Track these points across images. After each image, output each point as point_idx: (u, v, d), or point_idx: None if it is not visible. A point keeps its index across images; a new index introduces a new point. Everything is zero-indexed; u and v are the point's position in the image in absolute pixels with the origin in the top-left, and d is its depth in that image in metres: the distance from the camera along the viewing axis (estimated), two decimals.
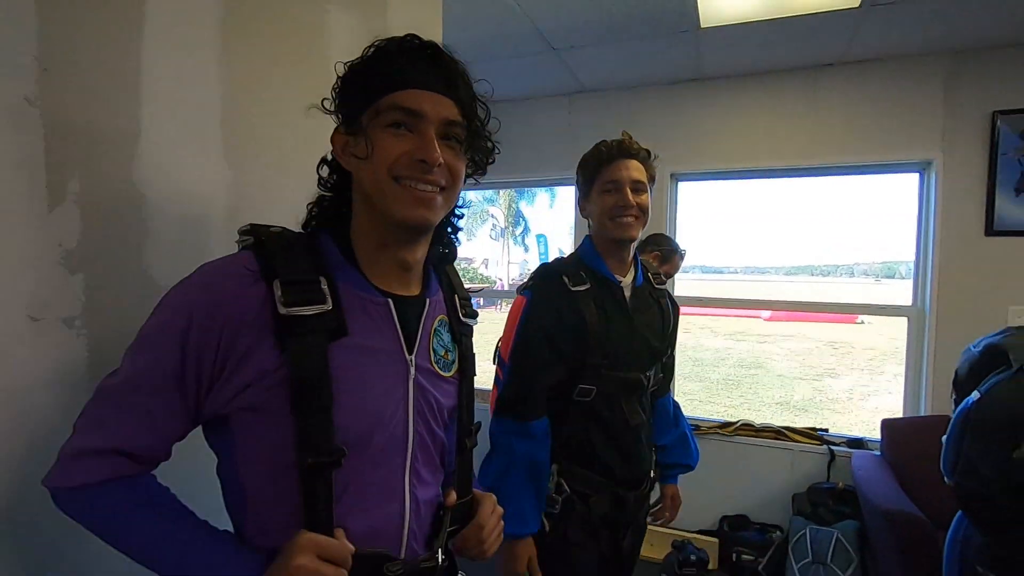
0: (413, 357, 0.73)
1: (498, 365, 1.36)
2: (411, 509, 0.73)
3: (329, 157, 0.77)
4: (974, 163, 2.54)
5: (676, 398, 1.68)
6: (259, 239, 0.67)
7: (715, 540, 2.76)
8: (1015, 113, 2.46)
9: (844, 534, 2.37)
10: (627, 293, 1.36)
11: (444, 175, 0.70)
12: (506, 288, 17.40)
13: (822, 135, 2.78)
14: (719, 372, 9.88)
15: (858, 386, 8.93)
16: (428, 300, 0.78)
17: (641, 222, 1.30)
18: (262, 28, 1.02)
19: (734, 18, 2.29)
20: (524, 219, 25.38)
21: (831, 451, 2.71)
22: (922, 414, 2.66)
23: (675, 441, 1.55)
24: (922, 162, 2.67)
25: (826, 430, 2.90)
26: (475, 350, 0.88)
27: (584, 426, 1.31)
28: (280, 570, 0.59)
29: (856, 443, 2.76)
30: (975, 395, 1.20)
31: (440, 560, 0.75)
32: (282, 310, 0.62)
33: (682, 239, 2.84)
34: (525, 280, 1.40)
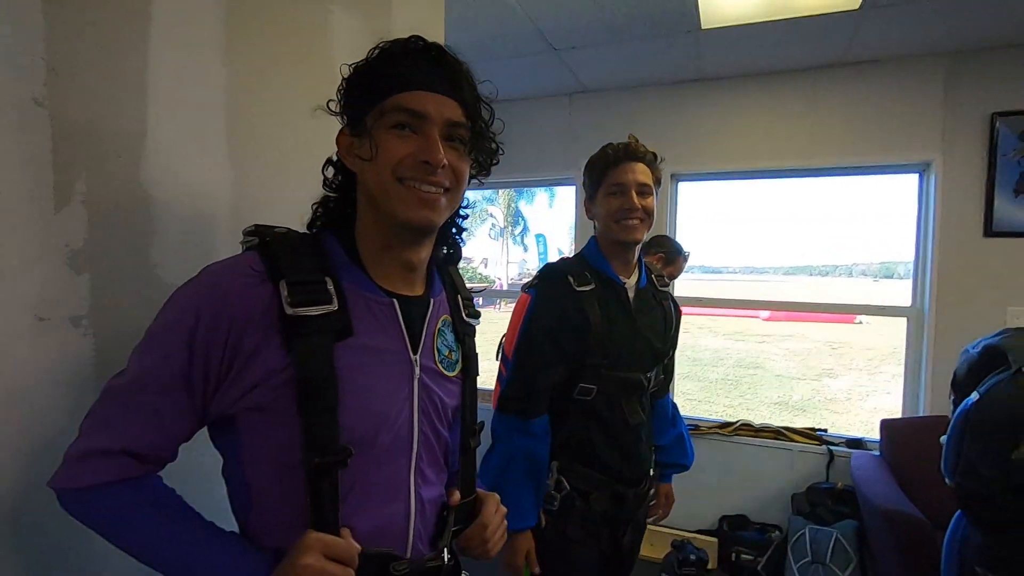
0: (418, 357, 0.74)
1: (501, 362, 1.37)
2: (416, 509, 0.73)
3: (334, 158, 0.77)
4: (973, 164, 2.55)
5: (675, 398, 1.69)
6: (264, 240, 0.67)
7: (714, 540, 2.77)
8: (1014, 114, 2.47)
9: (843, 534, 2.38)
10: (631, 294, 1.37)
11: (448, 176, 0.70)
12: (505, 288, 17.40)
13: (822, 136, 2.79)
14: (718, 372, 9.89)
15: (856, 386, 8.94)
16: (432, 300, 0.79)
17: (646, 225, 1.32)
18: (265, 28, 1.03)
19: (735, 19, 2.30)
20: (523, 219, 25.38)
21: (830, 451, 2.72)
22: (921, 414, 2.67)
23: (672, 441, 1.57)
24: (922, 163, 2.68)
25: (825, 430, 2.90)
26: (476, 350, 0.88)
27: (584, 425, 1.32)
28: (287, 569, 0.60)
29: (855, 443, 2.77)
30: (974, 396, 1.21)
31: (446, 559, 0.76)
32: (288, 310, 0.62)
33: (681, 239, 2.85)
34: (530, 279, 1.41)
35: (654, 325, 1.40)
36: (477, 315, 0.89)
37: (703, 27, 2.37)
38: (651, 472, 1.45)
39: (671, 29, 2.41)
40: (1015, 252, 2.50)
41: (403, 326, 0.73)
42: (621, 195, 1.30)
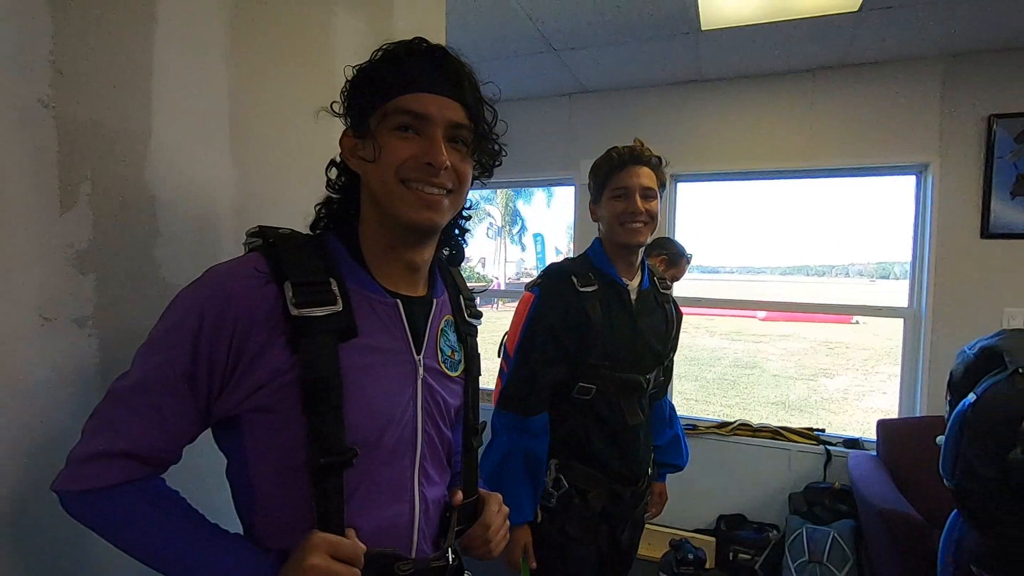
0: (421, 357, 0.74)
1: (503, 359, 1.39)
2: (420, 509, 0.73)
3: (338, 159, 0.77)
4: (970, 166, 2.56)
5: (672, 398, 1.70)
6: (268, 241, 0.67)
7: (712, 539, 2.78)
8: (1011, 117, 2.48)
9: (840, 533, 2.39)
10: (633, 296, 1.38)
11: (451, 178, 0.71)
12: (503, 288, 17.39)
13: (820, 137, 2.80)
14: (715, 372, 9.91)
15: (853, 386, 8.98)
16: (435, 301, 0.79)
17: (650, 228, 1.33)
18: (269, 30, 1.03)
19: (735, 20, 2.30)
20: (521, 218, 25.40)
21: (827, 451, 2.73)
22: (918, 414, 2.68)
23: (668, 442, 1.59)
24: (919, 165, 2.70)
25: (823, 430, 2.92)
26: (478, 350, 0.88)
27: (583, 424, 1.33)
28: (294, 570, 0.60)
29: (852, 443, 2.78)
30: (971, 397, 1.22)
31: (450, 559, 0.76)
32: (294, 311, 0.62)
33: (679, 239, 2.86)
34: (535, 277, 1.42)
35: (655, 327, 1.41)
36: (479, 315, 0.90)
37: (703, 28, 2.38)
38: (649, 472, 1.46)
39: (671, 30, 2.42)
40: (1011, 253, 2.52)
41: (407, 326, 0.73)
42: (625, 199, 1.31)
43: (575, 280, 1.32)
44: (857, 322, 15.81)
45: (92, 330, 0.76)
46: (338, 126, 0.75)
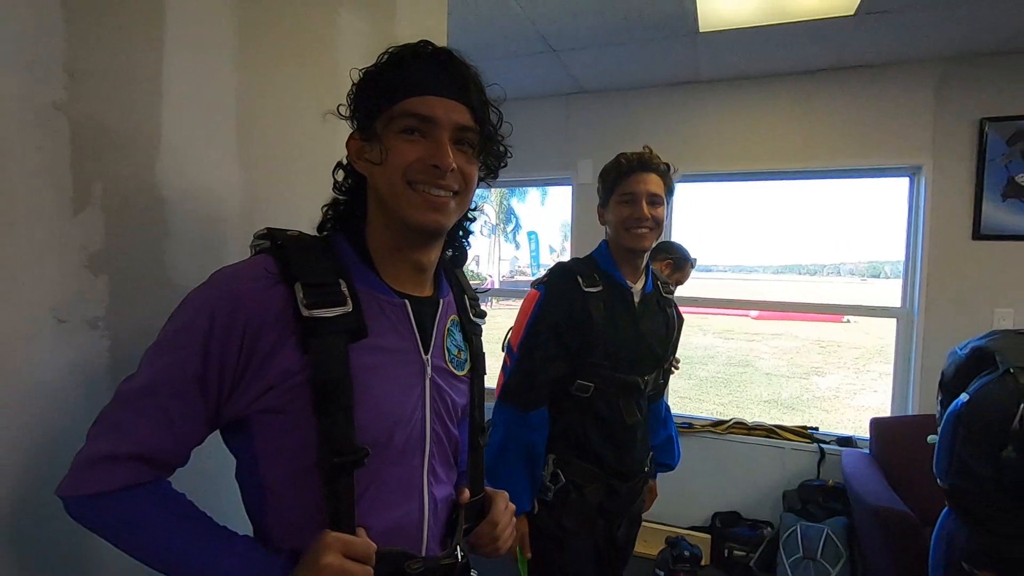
0: (429, 357, 0.75)
1: (507, 353, 1.41)
2: (429, 507, 0.74)
3: (344, 161, 0.78)
4: (962, 168, 2.60)
5: (667, 397, 1.72)
6: (277, 242, 0.67)
7: (708, 536, 2.81)
8: (1003, 120, 2.52)
9: (834, 530, 2.42)
10: (636, 298, 1.41)
11: (457, 180, 0.71)
12: (496, 286, 17.38)
13: (816, 139, 2.83)
14: (708, 370, 9.96)
15: (844, 384, 9.05)
16: (441, 301, 0.80)
17: (655, 233, 1.36)
18: (276, 32, 1.03)
19: (733, 23, 2.32)
20: (515, 216, 25.40)
21: (821, 449, 2.76)
22: (910, 413, 2.72)
23: (662, 442, 1.62)
24: (912, 167, 2.73)
25: (816, 428, 2.95)
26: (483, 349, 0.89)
27: (582, 420, 1.36)
28: (308, 569, 0.60)
29: (846, 441, 2.81)
30: (964, 397, 1.24)
31: (459, 557, 0.77)
32: (305, 312, 0.63)
33: (674, 238, 2.88)
34: (541, 275, 1.45)
35: (656, 330, 1.44)
36: (483, 315, 0.90)
37: (701, 30, 2.39)
38: (646, 469, 1.48)
39: (669, 32, 2.44)
40: (1002, 255, 2.56)
41: (415, 326, 0.74)
42: (632, 204, 1.34)
43: (580, 280, 1.35)
44: (848, 321, 15.92)
45: (104, 331, 0.76)
46: (344, 127, 0.76)
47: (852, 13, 2.20)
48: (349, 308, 0.66)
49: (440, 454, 0.77)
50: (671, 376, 1.70)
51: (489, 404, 0.98)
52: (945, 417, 1.27)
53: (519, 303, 1.44)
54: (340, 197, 0.78)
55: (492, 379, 1.20)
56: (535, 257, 23.73)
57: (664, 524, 2.90)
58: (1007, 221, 2.53)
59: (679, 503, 2.89)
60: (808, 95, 2.83)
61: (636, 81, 3.04)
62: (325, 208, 0.78)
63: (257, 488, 0.67)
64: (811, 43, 2.50)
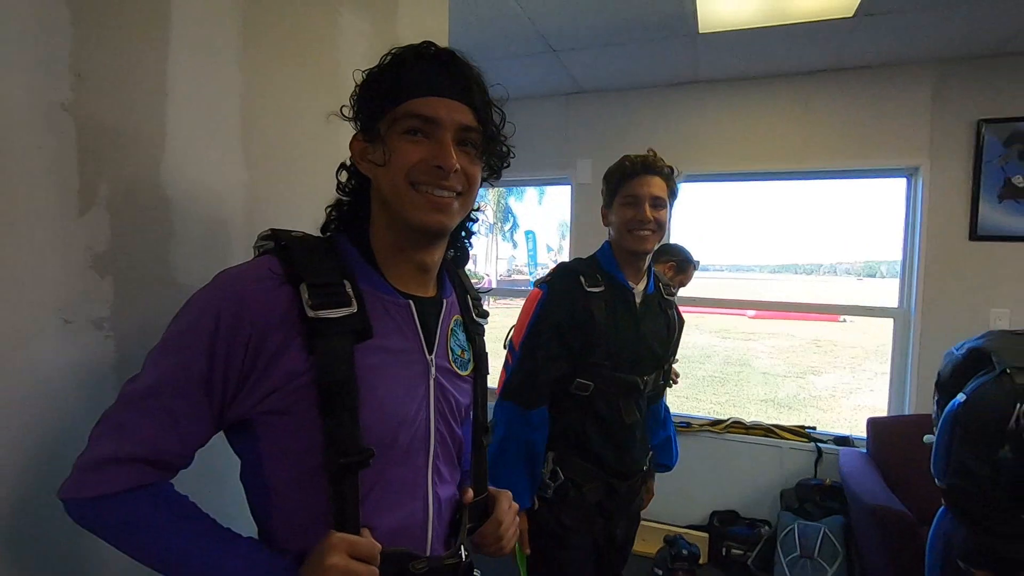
0: (433, 357, 0.75)
1: (508, 351, 1.42)
2: (433, 507, 0.74)
3: (348, 162, 0.78)
4: (959, 169, 2.61)
5: (666, 396, 1.73)
6: (282, 243, 0.67)
7: (706, 535, 2.82)
8: (1000, 122, 2.53)
9: (831, 529, 2.44)
10: (638, 299, 1.42)
11: (460, 180, 0.71)
12: (493, 285, 17.38)
13: (814, 139, 2.84)
14: (705, 369, 9.98)
15: (841, 383, 9.08)
16: (445, 301, 0.80)
17: (657, 236, 1.37)
18: (278, 32, 1.03)
19: (732, 24, 2.33)
20: (513, 215, 25.40)
21: (818, 448, 2.78)
22: (907, 413, 2.73)
23: (661, 443, 1.63)
24: (910, 168, 2.74)
25: (814, 428, 2.97)
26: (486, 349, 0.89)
27: (581, 419, 1.37)
28: (313, 570, 0.60)
29: (843, 441, 2.83)
30: (961, 397, 1.25)
31: (463, 557, 0.77)
32: (310, 313, 0.63)
33: (672, 238, 2.88)
34: (544, 275, 1.46)
35: (657, 331, 1.45)
36: (486, 315, 0.90)
37: (700, 31, 2.40)
38: (645, 468, 1.49)
39: (669, 33, 2.44)
40: (998, 255, 2.57)
41: (419, 327, 0.74)
42: (635, 206, 1.35)
43: (583, 280, 1.36)
44: (845, 320, 15.98)
45: (109, 331, 0.76)
46: (346, 127, 0.76)
47: (851, 15, 2.21)
48: (354, 309, 0.66)
49: (444, 454, 0.77)
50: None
51: (490, 403, 0.99)
52: (942, 417, 1.28)
53: (516, 302, 1.45)
54: (344, 198, 0.78)
55: (493, 378, 1.21)
56: (532, 256, 23.74)
57: (662, 523, 2.91)
58: (1003, 222, 2.55)
59: (677, 502, 2.91)
60: (807, 96, 2.84)
61: (635, 81, 3.05)
62: (329, 209, 0.78)
63: (262, 489, 0.67)
64: (810, 44, 2.51)
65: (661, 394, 1.61)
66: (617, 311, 1.37)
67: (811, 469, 2.78)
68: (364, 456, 0.64)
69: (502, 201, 24.19)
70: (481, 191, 0.79)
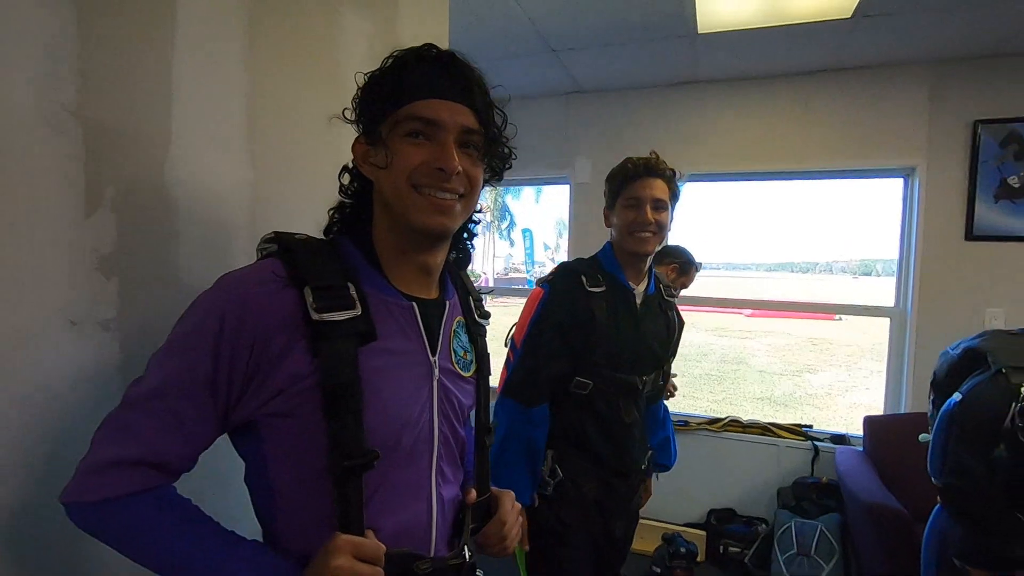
0: (436, 359, 0.75)
1: (510, 349, 1.43)
2: (437, 508, 0.74)
3: (350, 165, 0.78)
4: (956, 170, 2.63)
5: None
6: (286, 246, 0.67)
7: (703, 533, 2.83)
8: (996, 122, 2.55)
9: (827, 527, 2.46)
10: (638, 300, 1.43)
11: (462, 183, 0.71)
12: (490, 283, 17.38)
13: (812, 140, 2.85)
14: (702, 367, 10.02)
15: (836, 382, 9.12)
16: (447, 302, 0.80)
17: (658, 238, 1.38)
18: (282, 35, 1.03)
19: (731, 24, 2.34)
20: (510, 213, 25.38)
21: (815, 447, 2.80)
22: (903, 411, 2.75)
23: (660, 443, 1.64)
24: (907, 168, 2.76)
25: (810, 426, 2.98)
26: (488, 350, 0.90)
27: (580, 417, 1.38)
28: (319, 572, 0.60)
29: (839, 439, 2.85)
30: (957, 396, 1.26)
31: (467, 557, 0.77)
32: (315, 316, 0.62)
33: (671, 237, 2.89)
34: (546, 274, 1.47)
35: (657, 332, 1.46)
36: (487, 316, 0.90)
37: (700, 31, 2.41)
38: (643, 467, 1.51)
39: (668, 33, 2.45)
40: (994, 255, 2.59)
41: (422, 329, 0.74)
42: (636, 208, 1.36)
43: (584, 280, 1.37)
44: (841, 319, 16.04)
45: (116, 333, 0.77)
46: (349, 128, 0.76)
47: (849, 16, 2.22)
48: (358, 311, 0.66)
49: (447, 455, 0.77)
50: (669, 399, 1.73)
51: (491, 401, 0.99)
52: (939, 417, 1.29)
53: (513, 300, 1.46)
54: (346, 200, 0.78)
55: (494, 377, 1.22)
56: (530, 254, 23.74)
57: (660, 521, 2.92)
58: (999, 222, 2.57)
59: (675, 500, 2.92)
60: (805, 96, 2.85)
61: (635, 81, 3.05)
62: (331, 211, 0.78)
63: (266, 491, 0.67)
64: (808, 45, 2.52)
65: (660, 394, 1.62)
66: (618, 311, 1.38)
67: (808, 467, 2.80)
68: (368, 458, 0.64)
69: (499, 199, 24.18)
70: None
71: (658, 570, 2.59)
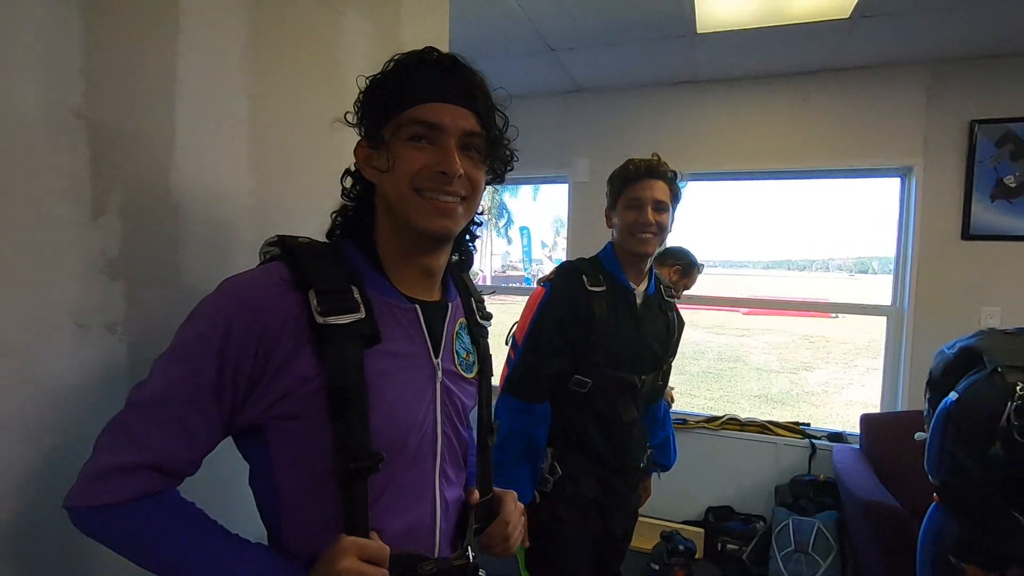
0: (439, 361, 0.75)
1: (511, 347, 1.45)
2: (441, 509, 0.75)
3: (352, 168, 0.78)
4: (952, 170, 2.64)
5: None
6: (289, 250, 0.67)
7: (701, 530, 2.85)
8: (992, 122, 2.56)
9: (825, 524, 2.47)
10: (639, 300, 1.44)
11: (464, 185, 0.71)
12: (488, 281, 17.39)
13: (810, 139, 2.86)
14: (699, 365, 10.04)
15: (833, 379, 9.16)
16: (450, 304, 0.80)
17: (659, 239, 1.39)
18: (285, 38, 1.03)
19: (730, 24, 2.34)
20: (507, 211, 25.33)
21: (812, 444, 2.81)
22: (899, 409, 2.77)
23: (660, 443, 1.66)
24: (904, 167, 2.77)
25: (808, 424, 3.00)
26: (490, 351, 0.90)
27: (580, 415, 1.39)
28: (325, 573, 0.61)
29: (836, 437, 2.87)
30: (953, 395, 1.27)
31: (470, 558, 0.78)
32: (319, 319, 0.63)
33: (669, 235, 2.90)
34: (547, 273, 1.48)
35: (657, 332, 1.47)
36: (489, 317, 0.91)
37: (699, 31, 2.41)
38: (642, 465, 1.52)
39: (667, 33, 2.45)
40: (990, 255, 2.61)
41: (425, 331, 0.74)
42: (637, 209, 1.37)
43: (585, 279, 1.38)
44: (837, 317, 16.09)
45: (122, 335, 0.77)
46: (351, 129, 0.76)
47: (847, 16, 2.23)
48: (362, 314, 0.66)
49: (451, 456, 0.78)
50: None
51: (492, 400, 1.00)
52: (935, 416, 1.30)
53: (510, 298, 1.47)
54: (348, 203, 0.78)
55: (495, 376, 1.22)
56: (527, 252, 23.72)
57: (659, 519, 2.94)
58: (995, 222, 2.58)
59: (674, 498, 2.94)
60: (803, 96, 2.86)
61: (633, 81, 3.06)
62: (334, 214, 0.79)
63: (272, 494, 0.68)
64: (807, 45, 2.53)
65: (660, 395, 1.63)
66: (618, 310, 1.39)
67: (805, 465, 2.81)
68: (374, 461, 0.65)
69: (497, 197, 24.13)
70: None
71: (656, 567, 2.61)
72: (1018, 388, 1.15)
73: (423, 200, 0.69)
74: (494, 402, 1.26)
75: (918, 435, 1.44)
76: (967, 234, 2.62)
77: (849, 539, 2.43)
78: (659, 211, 1.37)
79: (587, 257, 1.50)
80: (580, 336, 1.36)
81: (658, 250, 1.51)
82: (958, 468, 1.21)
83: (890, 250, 2.90)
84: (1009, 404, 1.15)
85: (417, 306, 0.74)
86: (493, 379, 0.91)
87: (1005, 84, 2.56)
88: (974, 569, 1.22)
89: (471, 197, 0.73)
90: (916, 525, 1.47)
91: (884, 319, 2.91)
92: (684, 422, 3.03)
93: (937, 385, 1.39)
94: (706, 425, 3.02)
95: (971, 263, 2.63)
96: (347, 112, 0.75)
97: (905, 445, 2.09)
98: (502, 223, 25.37)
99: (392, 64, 0.72)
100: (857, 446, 2.70)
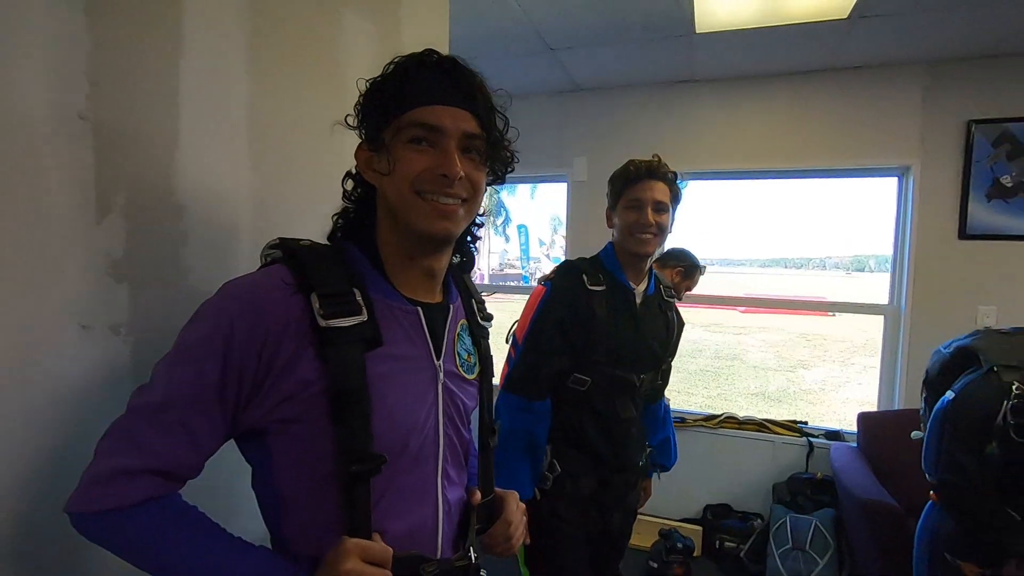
0: (441, 362, 0.76)
1: (511, 345, 1.45)
2: (443, 510, 0.75)
3: (353, 171, 0.78)
4: (949, 169, 2.66)
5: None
6: (291, 252, 0.67)
7: (699, 528, 2.86)
8: (989, 122, 2.58)
9: (822, 522, 2.49)
10: (638, 300, 1.45)
11: (465, 187, 0.71)
12: (486, 279, 17.38)
13: (808, 139, 2.87)
14: (697, 363, 10.06)
15: (830, 377, 9.18)
16: (451, 306, 0.81)
17: (659, 240, 1.40)
18: (285, 40, 1.03)
19: (728, 24, 2.35)
20: (505, 209, 25.32)
21: (810, 443, 2.82)
22: (896, 408, 2.78)
23: (660, 443, 1.67)
24: (901, 167, 2.78)
25: (805, 423, 3.01)
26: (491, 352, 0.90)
27: (579, 414, 1.40)
28: (329, 575, 0.61)
29: (834, 435, 2.88)
30: (950, 395, 1.28)
31: (473, 559, 0.78)
32: (322, 323, 0.63)
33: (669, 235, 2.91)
34: (548, 272, 1.49)
35: (657, 331, 1.48)
36: (490, 318, 0.91)
37: (697, 31, 2.42)
38: (641, 464, 1.52)
39: (666, 32, 2.46)
40: (986, 254, 2.62)
41: (427, 333, 0.74)
42: (638, 210, 1.38)
43: (585, 278, 1.39)
44: (833, 315, 16.14)
45: (126, 337, 0.77)
46: (352, 132, 0.76)
47: (845, 16, 2.23)
48: (364, 317, 0.66)
49: (452, 457, 0.78)
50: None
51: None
52: (932, 415, 1.31)
53: (508, 296, 1.48)
54: (349, 206, 0.78)
55: (496, 376, 1.23)
56: (525, 250, 23.73)
57: (657, 516, 2.95)
58: (992, 221, 2.60)
59: (672, 496, 2.95)
60: (801, 96, 2.87)
61: (632, 80, 3.06)
62: (335, 217, 0.79)
63: (274, 497, 0.67)
64: (805, 45, 2.54)
65: (659, 394, 1.64)
66: (618, 310, 1.40)
67: (803, 463, 2.83)
68: (376, 463, 0.65)
69: (495, 196, 24.10)
70: None
71: (655, 565, 2.62)
72: (1014, 387, 1.16)
73: (424, 202, 0.69)
74: (495, 402, 1.27)
75: (915, 434, 1.45)
76: (964, 233, 2.64)
77: (846, 537, 2.44)
78: (659, 212, 1.38)
79: (587, 257, 1.51)
80: (580, 335, 1.37)
81: (660, 252, 1.51)
82: (955, 467, 1.22)
83: (887, 247, 2.91)
84: (1005, 403, 1.16)
85: (419, 308, 0.74)
86: (494, 379, 0.91)
87: (1002, 84, 2.57)
88: (970, 566, 1.23)
89: (472, 199, 0.73)
90: (913, 523, 1.48)
91: (881, 317, 2.92)
92: (682, 420, 3.04)
93: (933, 384, 1.40)
94: (704, 423, 3.03)
95: (968, 262, 2.64)
96: (347, 115, 0.75)
97: (902, 443, 2.10)
98: (500, 221, 25.36)
99: (392, 67, 0.72)
100: (854, 444, 2.71)
